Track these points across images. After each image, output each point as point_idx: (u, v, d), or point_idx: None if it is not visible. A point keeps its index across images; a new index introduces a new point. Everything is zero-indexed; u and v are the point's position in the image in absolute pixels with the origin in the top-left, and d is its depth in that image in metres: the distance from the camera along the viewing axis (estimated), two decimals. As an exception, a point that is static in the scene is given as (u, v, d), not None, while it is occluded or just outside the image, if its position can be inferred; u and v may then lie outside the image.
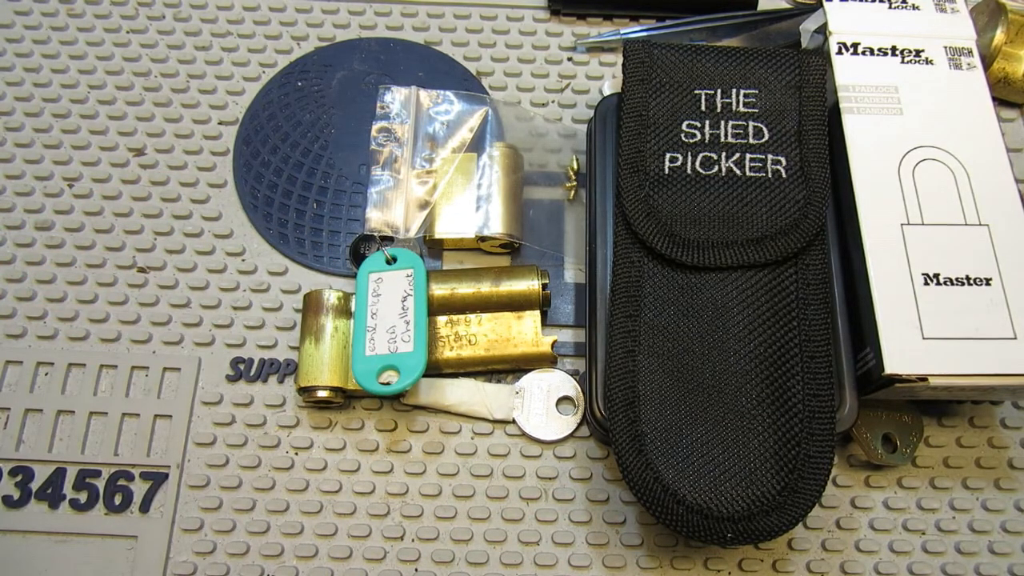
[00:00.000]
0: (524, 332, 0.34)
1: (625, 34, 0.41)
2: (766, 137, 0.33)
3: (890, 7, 0.36)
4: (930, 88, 0.34)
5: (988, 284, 0.30)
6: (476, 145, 0.37)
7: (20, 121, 0.39)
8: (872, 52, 0.35)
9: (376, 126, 0.38)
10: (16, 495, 0.32)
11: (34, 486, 0.33)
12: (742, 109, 0.34)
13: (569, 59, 0.42)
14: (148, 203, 0.38)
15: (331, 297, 0.34)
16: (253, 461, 0.33)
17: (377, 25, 0.42)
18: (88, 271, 0.36)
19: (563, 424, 0.34)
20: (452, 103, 0.38)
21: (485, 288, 0.34)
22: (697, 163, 0.33)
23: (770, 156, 0.33)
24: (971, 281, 0.30)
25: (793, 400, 0.29)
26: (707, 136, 0.33)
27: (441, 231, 0.36)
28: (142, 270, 0.37)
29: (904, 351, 0.29)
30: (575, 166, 0.38)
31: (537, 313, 0.34)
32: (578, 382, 0.34)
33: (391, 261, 0.34)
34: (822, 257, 0.31)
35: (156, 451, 0.33)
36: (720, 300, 0.31)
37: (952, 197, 0.32)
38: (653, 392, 0.30)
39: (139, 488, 0.33)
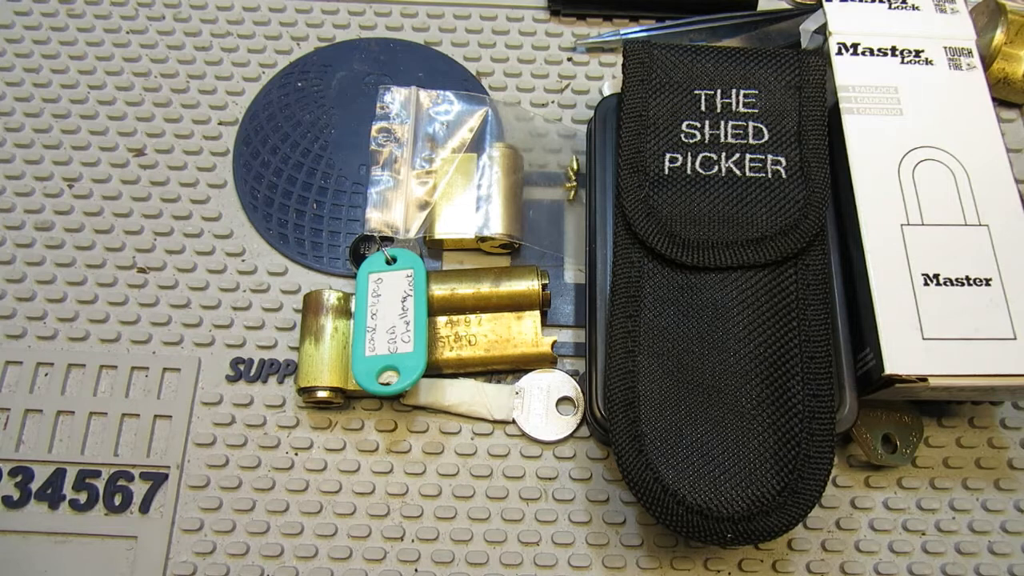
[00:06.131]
0: (524, 332, 0.34)
1: (625, 34, 0.41)
2: (766, 137, 0.33)
3: (890, 7, 0.36)
4: (930, 88, 0.34)
5: (988, 284, 0.30)
6: (476, 145, 0.37)
7: (20, 121, 0.39)
8: (872, 52, 0.35)
9: (376, 126, 0.38)
10: (16, 495, 0.32)
11: (34, 486, 0.33)
12: (742, 109, 0.34)
13: (569, 59, 0.42)
14: (148, 203, 0.38)
15: (331, 297, 0.34)
16: (253, 461, 0.33)
17: (377, 25, 0.42)
18: (88, 271, 0.36)
19: (563, 424, 0.34)
20: (452, 103, 0.38)
21: (485, 288, 0.34)
22: (697, 163, 0.33)
23: (770, 156, 0.33)
24: (971, 281, 0.30)
25: (793, 400, 0.29)
26: (707, 136, 0.33)
27: (441, 231, 0.36)
28: (142, 270, 0.37)
29: (904, 351, 0.29)
30: (575, 166, 0.38)
31: (537, 313, 0.34)
32: (578, 382, 0.34)
33: (391, 261, 0.34)
34: (822, 257, 0.31)
35: (156, 451, 0.33)
36: (720, 300, 0.31)
37: (952, 197, 0.32)
38: (653, 392, 0.30)
39: (139, 488, 0.33)
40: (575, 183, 0.38)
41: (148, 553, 0.32)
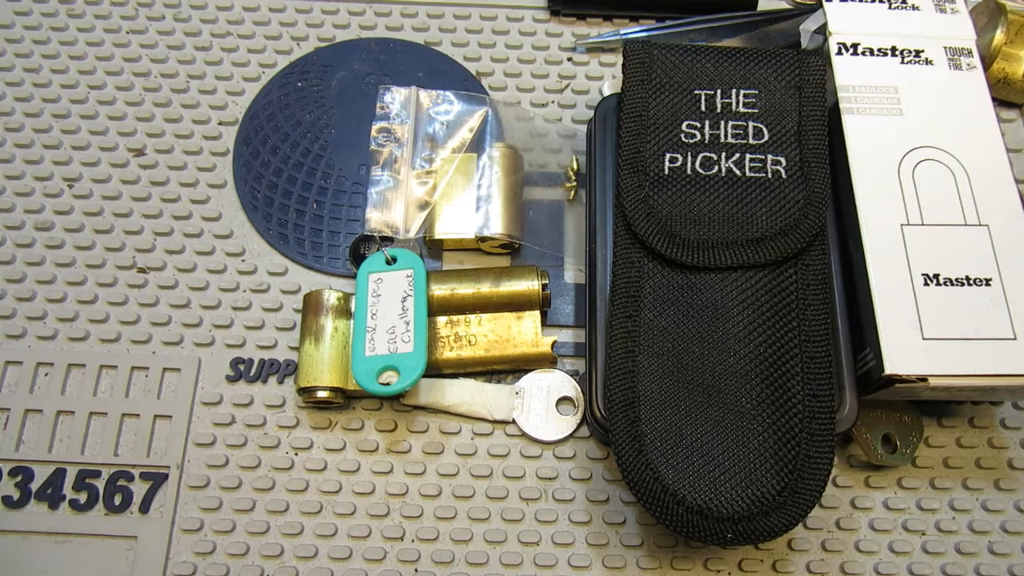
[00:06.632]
0: (524, 332, 0.34)
1: (625, 34, 0.41)
2: (766, 137, 0.33)
3: (890, 7, 0.36)
4: (930, 88, 0.34)
5: (988, 284, 0.30)
6: (476, 145, 0.37)
7: (20, 121, 0.39)
8: (872, 52, 0.35)
9: (376, 126, 0.38)
10: (16, 495, 0.32)
11: (34, 486, 0.33)
12: (742, 109, 0.34)
13: (569, 59, 0.42)
14: (148, 203, 0.38)
15: (331, 297, 0.34)
16: (253, 461, 0.33)
17: (377, 25, 0.42)
18: (88, 271, 0.36)
19: (563, 424, 0.34)
20: (452, 103, 0.38)
21: (485, 288, 0.34)
22: (697, 163, 0.33)
23: (770, 156, 0.33)
24: (971, 281, 0.30)
25: (793, 400, 0.29)
26: (707, 136, 0.33)
27: (441, 231, 0.36)
28: (142, 270, 0.37)
29: (904, 351, 0.29)
30: (575, 166, 0.38)
31: (537, 313, 0.34)
32: (578, 382, 0.34)
33: (391, 261, 0.34)
34: (822, 257, 0.31)
35: (156, 451, 0.33)
36: (720, 300, 0.31)
37: (952, 197, 0.32)
38: (653, 392, 0.30)
39: (139, 488, 0.33)
40: (575, 183, 0.38)
41: (148, 553, 0.32)
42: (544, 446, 0.34)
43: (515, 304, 0.34)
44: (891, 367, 0.29)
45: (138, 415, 0.34)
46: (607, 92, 0.40)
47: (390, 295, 0.33)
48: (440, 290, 0.34)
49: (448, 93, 0.39)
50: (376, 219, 0.36)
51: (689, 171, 0.33)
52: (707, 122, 0.33)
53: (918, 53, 0.35)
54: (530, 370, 0.35)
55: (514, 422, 0.34)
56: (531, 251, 0.37)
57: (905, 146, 0.33)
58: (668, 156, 0.33)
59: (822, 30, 0.36)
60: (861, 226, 0.31)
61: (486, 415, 0.34)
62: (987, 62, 0.39)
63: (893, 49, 0.35)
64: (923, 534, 0.33)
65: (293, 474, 0.33)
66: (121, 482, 0.33)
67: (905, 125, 0.33)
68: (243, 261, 0.37)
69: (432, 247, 0.37)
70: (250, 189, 0.38)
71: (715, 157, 0.33)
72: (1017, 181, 0.33)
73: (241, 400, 0.34)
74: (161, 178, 0.38)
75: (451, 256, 0.37)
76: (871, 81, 0.34)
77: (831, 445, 0.28)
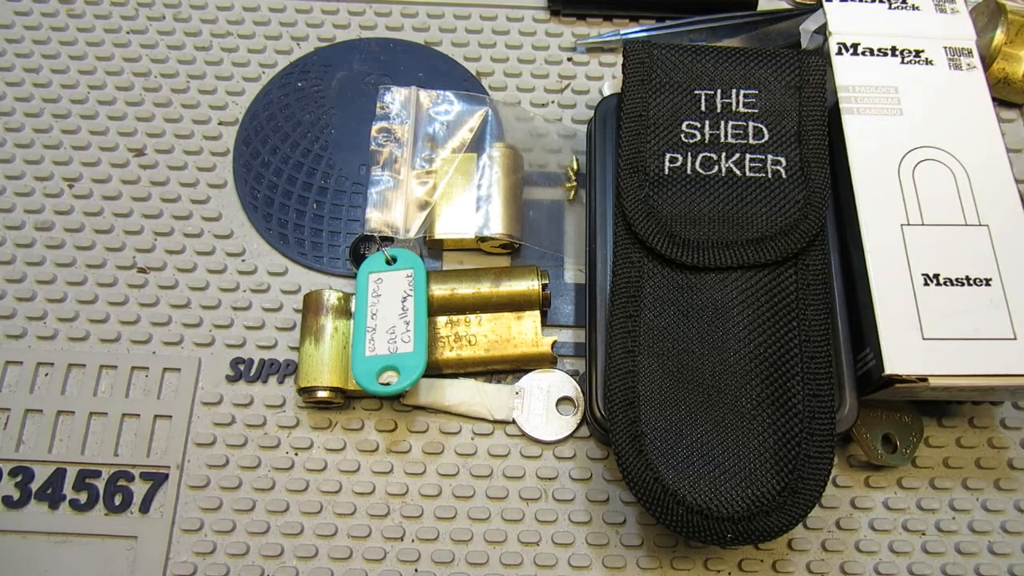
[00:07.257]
0: (524, 332, 0.34)
1: (625, 34, 0.41)
2: (766, 137, 0.33)
3: (890, 7, 0.36)
4: (930, 88, 0.34)
5: (988, 284, 0.30)
6: (476, 145, 0.37)
7: (20, 121, 0.39)
8: (872, 52, 0.35)
9: (376, 126, 0.38)
10: (16, 495, 0.32)
11: (34, 486, 0.33)
12: (742, 109, 0.34)
13: (569, 59, 0.42)
14: (148, 203, 0.38)
15: (331, 297, 0.34)
16: (253, 461, 0.33)
17: (377, 25, 0.42)
18: (88, 271, 0.36)
19: (563, 424, 0.34)
20: (452, 103, 0.38)
21: (485, 288, 0.34)
22: (697, 163, 0.33)
23: (770, 156, 0.33)
24: (971, 281, 0.30)
25: (793, 400, 0.29)
26: (707, 136, 0.33)
27: (441, 231, 0.36)
28: (142, 270, 0.37)
29: (904, 351, 0.29)
30: (575, 166, 0.38)
31: (537, 313, 0.34)
32: (578, 382, 0.34)
33: (391, 261, 0.34)
34: (822, 257, 0.31)
35: (156, 451, 0.33)
36: (720, 300, 0.31)
37: (952, 197, 0.32)
38: (653, 392, 0.30)
39: (139, 488, 0.33)
40: (575, 183, 0.38)
41: (148, 553, 0.32)
42: (544, 446, 0.34)
43: (515, 304, 0.34)
44: (891, 367, 0.29)
45: (138, 415, 0.34)
46: (607, 92, 0.40)
47: (390, 295, 0.33)
48: (440, 290, 0.34)
49: (448, 93, 0.39)
50: (376, 219, 0.36)
51: (689, 171, 0.33)
52: (707, 122, 0.33)
53: (918, 53, 0.35)
54: (530, 370, 0.35)
55: (514, 422, 0.34)
56: (531, 251, 0.37)
57: (905, 146, 0.33)
58: (668, 156, 0.33)
59: (822, 30, 0.36)
60: (861, 226, 0.31)
61: (486, 415, 0.34)
62: (987, 62, 0.39)
63: (893, 49, 0.35)
64: (923, 534, 0.33)
65: (293, 474, 0.33)
66: (121, 482, 0.33)
67: (905, 125, 0.33)
68: (243, 261, 0.37)
69: (432, 247, 0.37)
70: (250, 189, 0.38)
71: (715, 157, 0.33)
72: (1017, 181, 0.33)
73: (241, 400, 0.34)
74: (161, 178, 0.38)
75: (451, 256, 0.37)
76: (871, 81, 0.34)
77: (831, 445, 0.28)
